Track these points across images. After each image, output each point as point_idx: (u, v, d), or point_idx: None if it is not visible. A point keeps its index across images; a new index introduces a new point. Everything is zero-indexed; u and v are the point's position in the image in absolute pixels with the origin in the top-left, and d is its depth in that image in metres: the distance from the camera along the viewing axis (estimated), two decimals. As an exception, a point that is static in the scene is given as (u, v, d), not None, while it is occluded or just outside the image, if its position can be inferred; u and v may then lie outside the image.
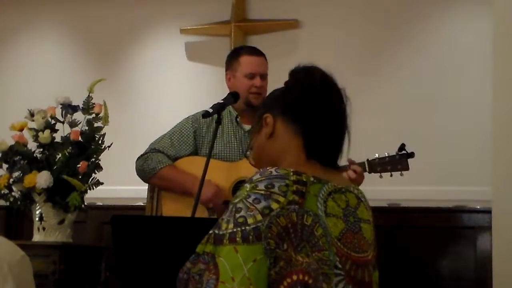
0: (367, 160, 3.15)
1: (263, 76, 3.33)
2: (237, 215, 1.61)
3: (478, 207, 4.22)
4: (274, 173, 1.67)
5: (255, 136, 1.87)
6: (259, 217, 1.60)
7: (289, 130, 1.79)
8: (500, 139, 3.13)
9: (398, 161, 3.16)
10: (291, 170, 1.68)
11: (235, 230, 1.59)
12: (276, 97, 1.86)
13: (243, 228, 1.59)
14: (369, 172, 3.16)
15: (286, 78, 1.89)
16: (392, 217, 4.30)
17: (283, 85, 1.87)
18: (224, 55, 3.49)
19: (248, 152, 1.94)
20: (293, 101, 1.79)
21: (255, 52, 3.41)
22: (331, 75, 1.82)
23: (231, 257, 1.57)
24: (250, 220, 1.59)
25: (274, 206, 1.61)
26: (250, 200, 1.62)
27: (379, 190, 3.46)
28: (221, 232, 1.61)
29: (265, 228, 1.59)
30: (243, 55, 3.38)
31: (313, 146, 1.77)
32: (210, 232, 1.63)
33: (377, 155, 3.17)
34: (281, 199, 1.62)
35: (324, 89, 1.78)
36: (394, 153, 3.17)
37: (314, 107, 1.77)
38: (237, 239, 1.58)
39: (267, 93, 3.29)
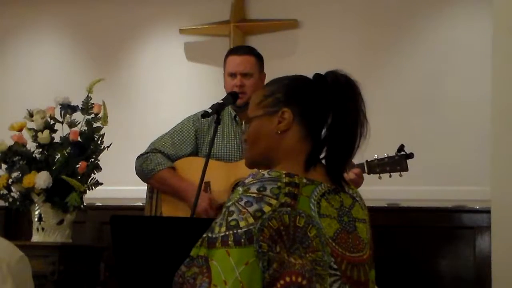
0: (366, 161, 3.14)
1: (246, 75, 3.31)
2: (230, 218, 1.61)
3: (477, 207, 4.21)
4: (266, 175, 1.66)
5: (262, 116, 1.80)
6: (251, 220, 1.59)
7: (300, 133, 1.78)
8: (499, 139, 3.14)
9: (397, 162, 3.16)
10: (284, 172, 1.68)
11: (227, 233, 1.60)
12: (302, 91, 1.80)
13: (235, 231, 1.59)
14: (368, 173, 3.15)
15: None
16: (391, 217, 4.30)
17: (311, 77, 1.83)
18: (223, 55, 3.49)
19: (245, 126, 1.90)
20: (319, 109, 1.76)
21: (238, 51, 3.41)
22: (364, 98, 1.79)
23: (224, 260, 1.57)
24: (242, 223, 1.60)
25: (266, 209, 1.61)
26: (242, 203, 1.62)
27: (378, 190, 3.46)
28: (214, 236, 1.61)
29: (257, 231, 1.58)
30: (228, 55, 3.39)
31: (317, 160, 1.76)
32: (204, 235, 1.64)
33: (376, 156, 3.16)
34: (273, 201, 1.62)
35: (358, 115, 1.76)
36: (393, 154, 3.17)
37: (339, 126, 1.75)
38: (229, 242, 1.58)
39: (252, 90, 3.28)
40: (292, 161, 1.75)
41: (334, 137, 1.75)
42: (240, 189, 1.66)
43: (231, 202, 1.64)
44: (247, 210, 1.61)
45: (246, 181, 1.67)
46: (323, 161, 1.79)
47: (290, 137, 1.77)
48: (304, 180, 1.68)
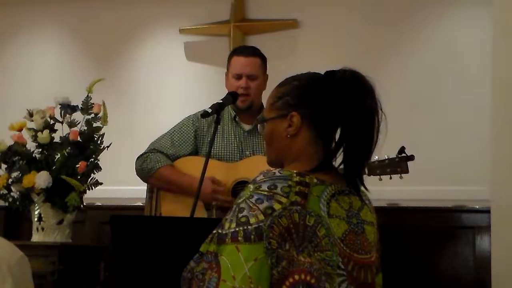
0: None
1: (251, 77, 3.29)
2: (240, 215, 1.62)
3: (477, 207, 4.21)
4: (277, 174, 1.67)
5: (275, 119, 1.80)
6: (261, 217, 1.60)
7: (310, 136, 1.77)
8: (499, 139, 3.13)
9: (398, 164, 3.16)
10: (295, 171, 1.68)
11: (237, 229, 1.61)
12: (310, 93, 1.78)
13: (245, 227, 1.60)
14: (369, 175, 3.15)
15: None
16: (391, 217, 4.30)
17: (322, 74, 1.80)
18: (223, 55, 3.49)
19: (260, 127, 1.88)
20: (328, 111, 1.73)
21: (244, 52, 3.38)
22: (377, 97, 1.75)
23: (233, 256, 1.58)
24: (252, 220, 1.60)
25: (277, 206, 1.61)
26: (253, 200, 1.63)
27: (378, 190, 3.42)
28: (224, 232, 1.62)
29: (266, 228, 1.59)
30: (234, 55, 3.37)
31: (329, 162, 1.75)
32: (214, 231, 1.65)
33: (376, 157, 3.16)
34: (284, 200, 1.62)
35: (368, 113, 1.72)
36: (394, 156, 3.16)
37: (349, 126, 1.72)
38: (239, 238, 1.59)
39: (256, 92, 3.28)
40: (304, 162, 1.75)
41: (347, 138, 1.73)
42: (251, 186, 1.67)
43: (242, 199, 1.65)
44: (257, 207, 1.61)
45: (257, 178, 1.68)
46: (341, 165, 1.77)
47: (299, 141, 1.77)
48: (315, 180, 1.68)
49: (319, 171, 1.72)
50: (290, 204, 1.62)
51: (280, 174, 1.67)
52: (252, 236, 1.59)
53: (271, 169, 1.71)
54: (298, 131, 1.77)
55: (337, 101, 1.73)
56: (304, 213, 1.63)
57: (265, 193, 1.63)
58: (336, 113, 1.73)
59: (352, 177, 1.75)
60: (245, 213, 1.62)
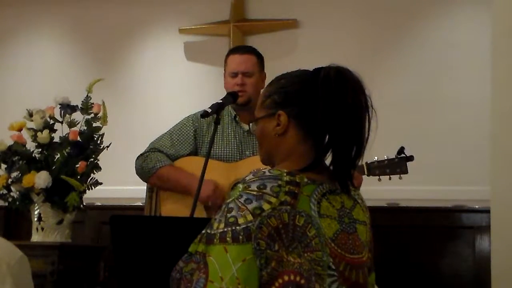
0: (366, 163, 3.14)
1: (247, 74, 3.30)
2: (228, 215, 1.61)
3: (476, 207, 4.22)
4: (267, 173, 1.66)
5: (264, 118, 1.80)
6: (249, 217, 1.59)
7: (298, 134, 1.76)
8: (499, 138, 3.13)
9: (397, 165, 3.15)
10: (285, 170, 1.67)
11: (225, 229, 1.59)
12: (297, 91, 1.77)
13: (233, 228, 1.59)
14: (368, 175, 3.15)
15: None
16: (391, 217, 4.30)
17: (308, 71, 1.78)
18: (223, 55, 3.49)
19: (252, 126, 1.87)
20: (314, 109, 1.70)
21: (239, 50, 3.41)
22: (367, 94, 1.72)
23: (221, 257, 1.57)
24: (240, 220, 1.59)
25: (266, 206, 1.60)
26: (241, 200, 1.62)
27: (378, 190, 3.46)
28: (212, 232, 1.61)
29: (255, 229, 1.58)
30: (229, 54, 3.39)
31: (320, 161, 1.73)
32: (203, 231, 1.64)
33: (376, 158, 3.15)
34: (273, 200, 1.61)
35: (353, 109, 1.69)
36: (393, 156, 3.16)
37: (334, 124, 1.69)
38: (227, 239, 1.58)
39: (253, 89, 3.27)
40: (294, 161, 1.74)
41: (335, 136, 1.71)
42: (240, 186, 1.65)
43: (231, 199, 1.64)
44: (246, 207, 1.60)
45: (247, 178, 1.66)
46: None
47: (288, 139, 1.77)
48: (305, 180, 1.67)
49: (310, 170, 1.71)
50: (279, 204, 1.61)
51: (270, 174, 1.65)
52: (241, 237, 1.57)
53: (261, 168, 1.69)
54: (286, 130, 1.76)
55: (322, 98, 1.70)
56: (294, 213, 1.61)
57: (254, 193, 1.62)
58: (322, 111, 1.70)
59: (340, 176, 1.72)
60: (233, 213, 1.60)
